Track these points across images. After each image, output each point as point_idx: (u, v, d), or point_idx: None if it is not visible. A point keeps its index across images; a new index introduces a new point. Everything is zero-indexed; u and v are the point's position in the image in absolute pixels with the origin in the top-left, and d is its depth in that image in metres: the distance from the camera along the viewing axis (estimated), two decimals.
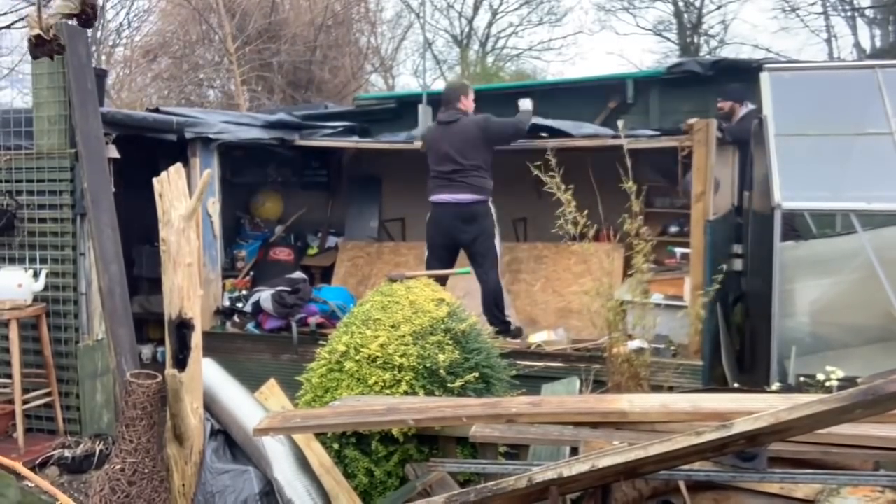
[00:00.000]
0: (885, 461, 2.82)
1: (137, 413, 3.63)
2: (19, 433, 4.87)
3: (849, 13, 17.95)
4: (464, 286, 6.09)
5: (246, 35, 14.33)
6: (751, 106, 6.90)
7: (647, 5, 22.09)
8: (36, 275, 5.00)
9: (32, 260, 5.12)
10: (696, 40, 20.71)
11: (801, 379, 4.58)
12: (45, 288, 5.01)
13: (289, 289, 6.34)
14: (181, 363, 3.67)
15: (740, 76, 7.45)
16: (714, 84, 8.06)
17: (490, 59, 22.45)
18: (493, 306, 5.73)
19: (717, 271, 5.04)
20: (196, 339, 3.70)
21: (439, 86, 20.36)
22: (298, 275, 6.92)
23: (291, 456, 3.67)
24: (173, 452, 3.71)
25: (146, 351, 6.60)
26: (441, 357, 3.83)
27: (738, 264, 7.21)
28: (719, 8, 20.32)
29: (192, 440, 3.70)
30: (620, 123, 5.74)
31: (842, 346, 5.08)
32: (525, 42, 30.41)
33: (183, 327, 3.68)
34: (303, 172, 8.20)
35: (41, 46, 4.45)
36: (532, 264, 6.71)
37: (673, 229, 7.25)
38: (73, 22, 4.66)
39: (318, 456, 3.68)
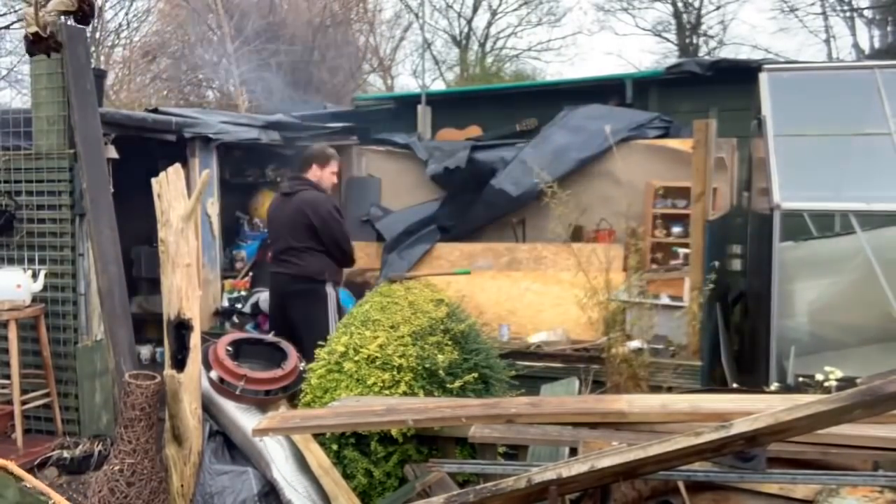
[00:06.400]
0: (884, 461, 2.81)
1: (136, 414, 3.63)
2: (18, 434, 4.87)
3: (847, 14, 17.96)
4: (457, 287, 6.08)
5: (244, 35, 14.33)
6: None
7: (646, 6, 22.10)
8: (35, 275, 5.00)
9: (31, 260, 5.11)
10: (695, 41, 20.72)
11: (800, 379, 4.58)
12: (44, 288, 5.00)
13: None
14: (180, 364, 3.67)
15: (739, 76, 7.45)
16: (713, 84, 8.07)
17: (489, 60, 22.44)
18: None
19: (715, 270, 5.04)
20: (195, 340, 3.70)
21: (438, 86, 20.42)
22: None
23: (290, 457, 3.67)
24: (172, 453, 3.71)
25: (145, 351, 6.59)
26: (440, 357, 3.83)
27: (737, 264, 7.22)
28: (718, 8, 20.35)
29: (191, 441, 3.70)
30: None
31: (841, 347, 5.08)
32: (524, 42, 30.36)
33: (182, 328, 3.68)
34: None
35: (38, 44, 4.45)
36: (532, 265, 6.70)
37: (677, 230, 7.25)
38: (71, 21, 4.66)
39: (316, 457, 3.67)
